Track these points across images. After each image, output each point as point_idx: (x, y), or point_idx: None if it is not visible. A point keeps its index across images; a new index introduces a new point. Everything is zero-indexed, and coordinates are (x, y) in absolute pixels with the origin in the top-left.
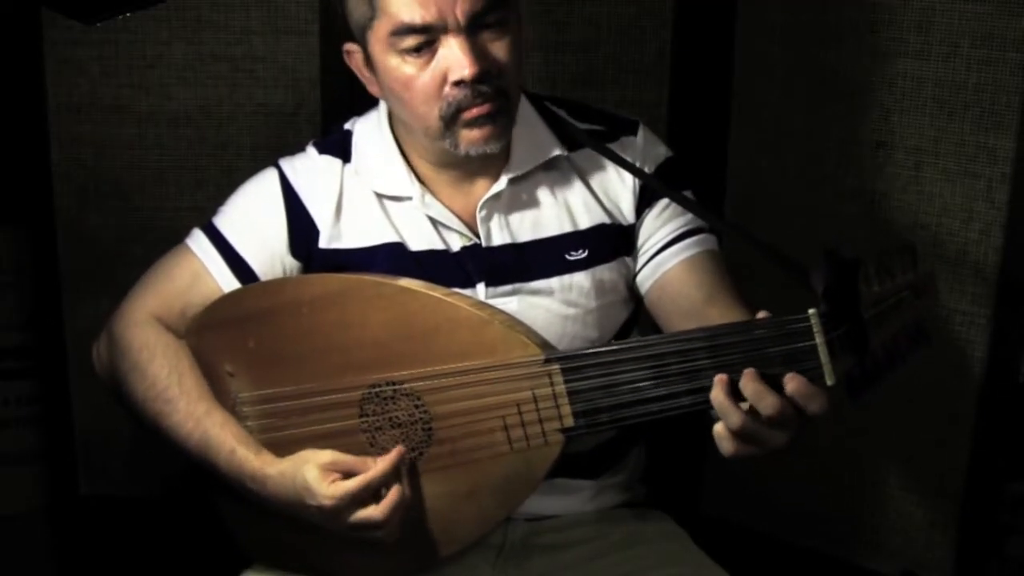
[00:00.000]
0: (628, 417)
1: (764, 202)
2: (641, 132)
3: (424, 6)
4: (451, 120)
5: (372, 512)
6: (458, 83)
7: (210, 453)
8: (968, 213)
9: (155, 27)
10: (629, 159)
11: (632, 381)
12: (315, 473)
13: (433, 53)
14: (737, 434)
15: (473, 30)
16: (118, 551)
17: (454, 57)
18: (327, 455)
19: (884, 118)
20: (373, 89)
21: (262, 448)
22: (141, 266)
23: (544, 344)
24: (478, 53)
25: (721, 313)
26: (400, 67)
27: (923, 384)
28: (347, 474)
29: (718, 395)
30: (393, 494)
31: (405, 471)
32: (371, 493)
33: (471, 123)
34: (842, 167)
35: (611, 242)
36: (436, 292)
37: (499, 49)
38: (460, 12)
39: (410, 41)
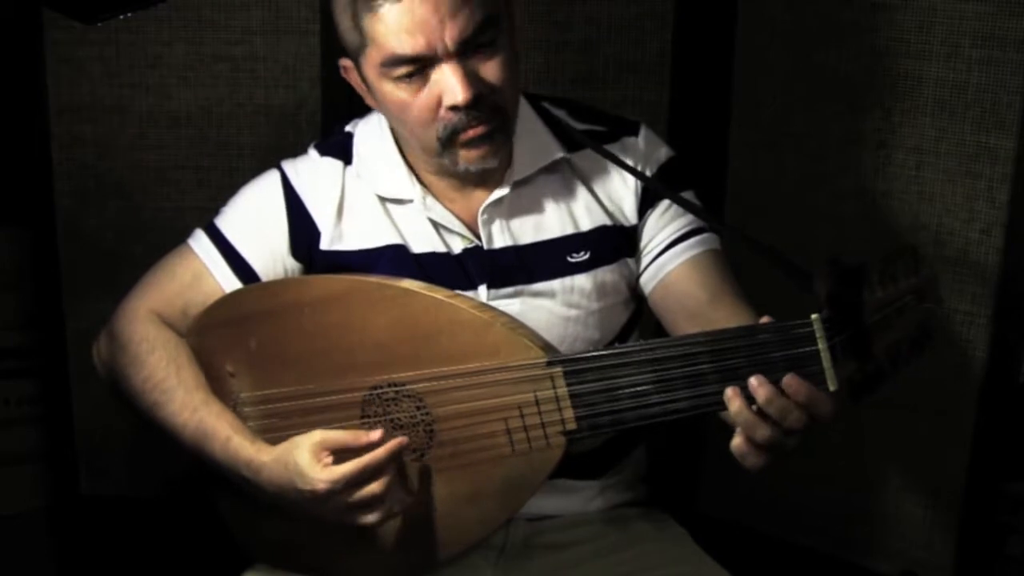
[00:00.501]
0: (630, 420)
1: (764, 202)
2: (642, 133)
3: (412, 36)
4: (448, 141)
5: (371, 488)
6: (452, 107)
7: (206, 442)
8: (969, 213)
9: (156, 27)
10: (630, 160)
11: (634, 385)
12: (307, 457)
13: (426, 79)
14: (762, 445)
15: (464, 54)
16: (119, 551)
17: (446, 83)
18: (317, 435)
19: (884, 118)
20: (370, 101)
21: (258, 438)
22: (142, 266)
23: (546, 346)
24: (471, 78)
25: (726, 313)
26: (394, 92)
27: (923, 384)
28: (339, 453)
29: (741, 410)
30: (389, 472)
31: (408, 463)
32: (365, 478)
33: (468, 144)
34: (842, 167)
35: (613, 243)
36: (438, 294)
37: (492, 69)
38: (449, 39)
39: (402, 70)
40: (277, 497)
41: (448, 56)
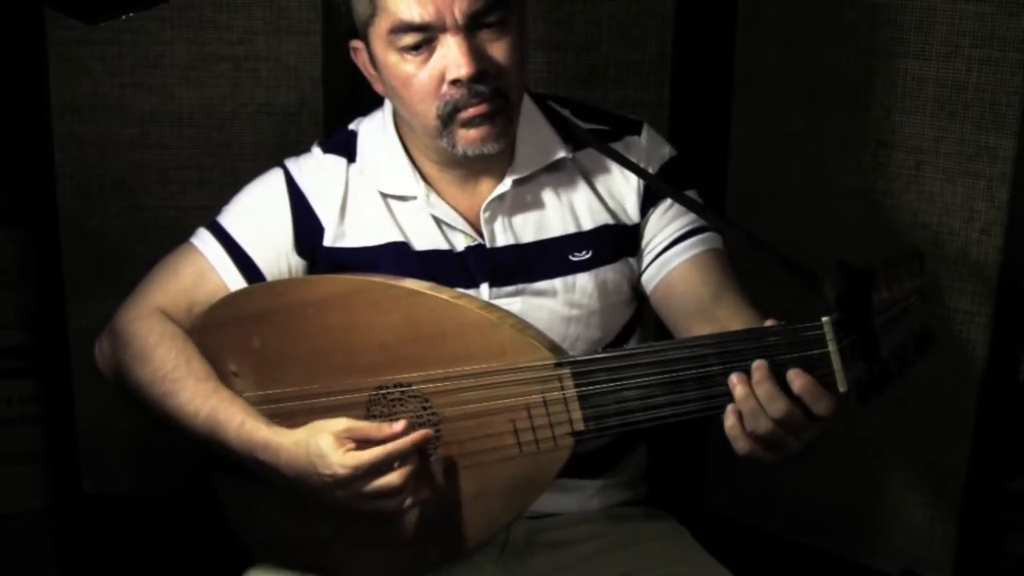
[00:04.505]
0: (638, 421)
1: (764, 202)
2: (645, 132)
3: (422, 4)
4: (448, 119)
5: (391, 478)
6: (455, 82)
7: (219, 429)
8: (969, 213)
9: (158, 27)
10: (633, 159)
11: (643, 386)
12: (330, 441)
13: (432, 52)
14: (758, 437)
15: (472, 29)
16: (121, 550)
17: (451, 56)
18: (342, 423)
19: (884, 118)
20: (378, 87)
21: (271, 422)
22: (144, 265)
23: (554, 347)
24: (476, 53)
25: (728, 312)
26: (399, 65)
27: (923, 384)
28: (361, 443)
29: (747, 397)
30: (411, 463)
31: (424, 451)
32: (386, 466)
33: (468, 123)
34: (842, 167)
35: (615, 243)
36: (444, 294)
37: (498, 49)
38: (458, 11)
39: (409, 39)
40: (294, 481)
41: (456, 29)
